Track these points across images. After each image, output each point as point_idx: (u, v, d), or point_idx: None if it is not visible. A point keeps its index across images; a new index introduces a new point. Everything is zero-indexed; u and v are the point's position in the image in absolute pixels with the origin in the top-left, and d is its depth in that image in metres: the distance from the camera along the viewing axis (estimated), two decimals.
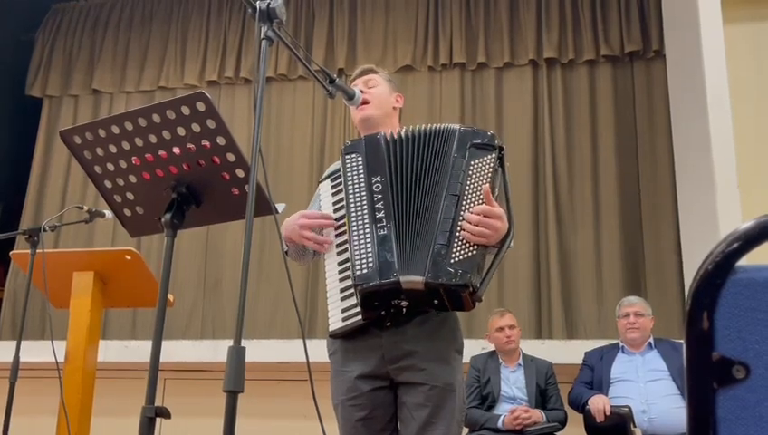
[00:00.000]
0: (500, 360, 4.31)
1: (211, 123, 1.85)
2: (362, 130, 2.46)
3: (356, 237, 2.12)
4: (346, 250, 2.16)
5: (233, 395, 1.59)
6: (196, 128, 1.87)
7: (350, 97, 2.37)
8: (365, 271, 2.06)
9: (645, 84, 6.27)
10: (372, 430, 2.17)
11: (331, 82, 2.26)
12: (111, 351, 5.18)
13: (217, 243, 6.63)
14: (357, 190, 2.18)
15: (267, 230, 6.15)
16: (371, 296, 2.08)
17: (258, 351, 4.74)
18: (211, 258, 6.62)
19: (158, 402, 5.16)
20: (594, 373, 4.28)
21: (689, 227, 5.33)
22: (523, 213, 6.13)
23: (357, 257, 2.08)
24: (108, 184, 2.06)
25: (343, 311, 2.16)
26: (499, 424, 3.98)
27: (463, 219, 2.04)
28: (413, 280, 2.03)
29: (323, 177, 2.39)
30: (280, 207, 1.98)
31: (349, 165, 2.24)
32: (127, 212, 2.11)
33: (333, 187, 2.31)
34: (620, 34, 6.34)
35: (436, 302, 2.07)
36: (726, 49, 4.94)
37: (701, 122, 4.96)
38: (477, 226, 2.00)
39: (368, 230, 2.11)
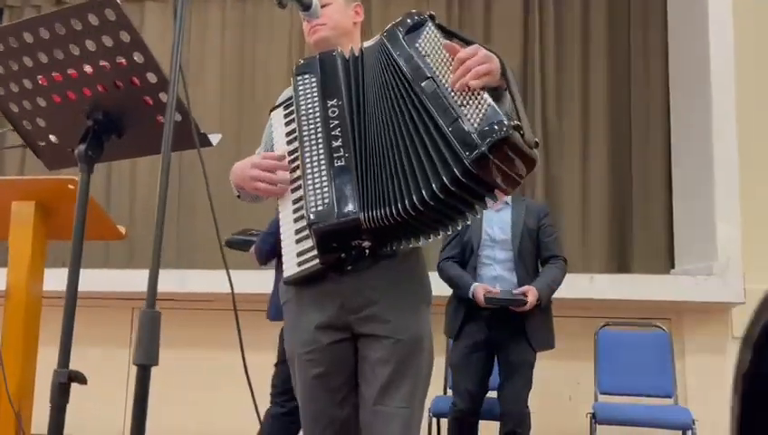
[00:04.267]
0: None
1: (125, 36, 1.50)
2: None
3: (310, 172, 1.79)
4: (301, 187, 1.83)
5: (145, 369, 1.31)
6: (107, 41, 1.52)
7: (307, 8, 2.00)
8: (320, 208, 1.74)
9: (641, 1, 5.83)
10: (328, 388, 1.89)
11: None
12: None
13: (194, 161, 6.27)
14: (310, 118, 1.85)
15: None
16: (328, 237, 1.76)
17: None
18: (186, 180, 6.29)
19: (126, 332, 4.91)
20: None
21: (682, 157, 5.00)
22: None
23: (311, 194, 1.76)
24: (14, 108, 1.72)
25: (298, 255, 1.85)
26: (469, 295, 3.32)
27: (451, 89, 1.64)
28: (381, 214, 1.69)
29: (276, 104, 2.05)
30: (214, 138, 1.65)
31: (302, 88, 1.90)
32: (40, 142, 1.78)
33: (286, 115, 1.98)
34: None
35: (496, 165, 1.57)
36: None
37: (700, 43, 4.58)
38: (469, 72, 1.60)
39: (323, 162, 1.79)
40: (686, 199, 4.81)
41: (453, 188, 1.57)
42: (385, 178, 1.70)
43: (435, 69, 1.69)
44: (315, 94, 1.87)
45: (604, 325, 4.00)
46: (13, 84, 1.66)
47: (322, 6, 2.06)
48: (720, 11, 4.52)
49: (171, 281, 4.48)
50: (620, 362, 3.87)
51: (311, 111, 1.86)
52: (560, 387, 4.36)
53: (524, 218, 3.47)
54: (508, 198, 3.48)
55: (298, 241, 1.85)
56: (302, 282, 1.87)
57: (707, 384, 4.30)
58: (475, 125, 1.55)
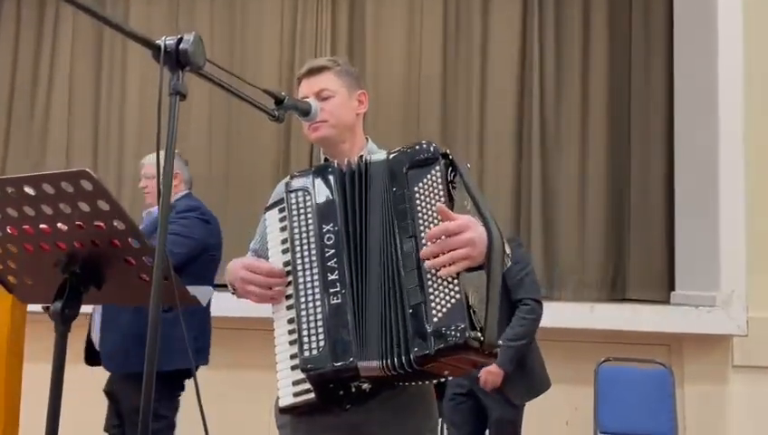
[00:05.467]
0: None
1: (103, 205, 1.35)
2: (322, 149, 1.95)
3: (304, 305, 1.65)
4: (294, 307, 1.69)
5: None
6: (84, 207, 1.37)
7: (306, 113, 1.85)
8: (314, 353, 1.60)
9: (643, 6, 5.63)
10: None
11: (280, 102, 1.73)
12: None
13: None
14: (304, 242, 1.69)
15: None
16: (325, 382, 1.63)
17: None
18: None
19: None
20: None
21: (684, 154, 4.85)
22: (507, 133, 5.65)
23: (305, 334, 1.62)
24: None
25: (294, 384, 1.70)
26: None
27: (424, 259, 1.53)
28: (374, 365, 1.58)
29: (270, 202, 1.89)
30: (205, 294, 1.51)
31: (295, 207, 1.73)
32: (11, 279, 1.63)
33: (281, 220, 1.81)
34: None
35: (445, 374, 1.59)
36: None
37: (708, 33, 4.39)
38: (443, 253, 1.50)
39: (318, 296, 1.64)
40: (688, 220, 4.69)
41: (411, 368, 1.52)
42: (376, 327, 1.58)
43: (422, 227, 1.56)
44: (310, 216, 1.71)
45: (605, 360, 3.90)
46: None
47: (324, 99, 1.90)
48: (730, 16, 4.34)
49: None
50: (620, 399, 3.80)
51: (304, 234, 1.70)
52: (558, 411, 4.29)
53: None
54: None
55: (293, 368, 1.71)
56: (298, 413, 1.75)
57: (707, 413, 4.25)
58: (435, 319, 1.48)
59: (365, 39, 6.02)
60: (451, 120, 5.82)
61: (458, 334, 1.45)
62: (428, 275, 1.52)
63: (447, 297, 1.49)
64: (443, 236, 1.50)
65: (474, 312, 1.49)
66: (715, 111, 4.26)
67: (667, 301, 4.68)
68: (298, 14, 6.11)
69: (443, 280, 1.50)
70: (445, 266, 1.50)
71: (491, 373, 3.14)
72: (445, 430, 3.43)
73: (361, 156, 1.78)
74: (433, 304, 1.50)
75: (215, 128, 6.04)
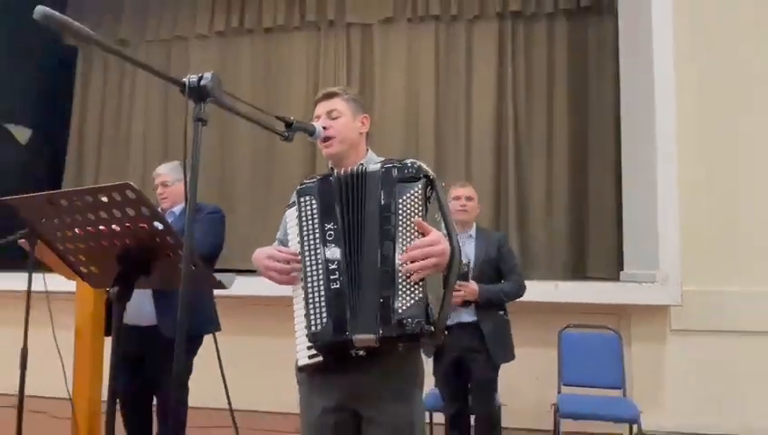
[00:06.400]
0: None
1: (145, 211, 1.37)
2: (331, 161, 1.96)
3: (310, 290, 1.66)
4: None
5: None
6: (130, 212, 1.38)
7: (311, 134, 1.85)
8: (318, 328, 1.62)
9: (596, 36, 5.60)
10: None
11: (289, 125, 1.73)
12: None
13: (235, 169, 6.19)
14: (311, 238, 1.70)
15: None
16: (328, 349, 1.65)
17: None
18: (228, 169, 6.22)
19: None
20: None
21: (630, 180, 4.79)
22: (487, 143, 5.70)
23: (312, 313, 1.64)
24: (60, 246, 1.59)
25: (309, 348, 1.72)
26: None
27: (401, 263, 1.56)
28: (365, 338, 1.60)
29: (289, 203, 1.89)
30: (229, 280, 1.52)
31: (303, 209, 1.74)
32: (83, 269, 1.65)
33: (296, 217, 1.82)
34: None
35: (400, 347, 1.63)
36: (673, 8, 4.30)
37: (646, 76, 4.36)
38: (420, 260, 1.53)
39: (322, 284, 1.65)
40: (633, 214, 4.65)
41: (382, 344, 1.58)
42: (365, 309, 1.59)
43: (400, 234, 1.57)
44: (315, 216, 1.72)
45: (566, 327, 3.87)
46: (58, 232, 1.53)
47: (333, 119, 1.89)
48: (663, 58, 4.29)
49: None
50: (579, 358, 3.76)
51: (311, 231, 1.71)
52: (530, 369, 4.25)
53: (486, 249, 3.25)
54: (472, 231, 3.31)
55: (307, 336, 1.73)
56: (312, 371, 1.76)
57: (650, 368, 4.22)
58: (400, 311, 1.53)
59: (374, 74, 6.05)
60: (443, 138, 5.83)
61: (415, 325, 1.51)
62: (400, 275, 1.55)
63: (412, 295, 1.53)
64: (421, 248, 1.54)
65: (430, 309, 1.54)
66: (653, 129, 4.22)
67: (617, 278, 4.65)
68: (320, 54, 6.17)
69: (411, 281, 1.54)
70: (421, 271, 1.53)
71: (470, 292, 3.07)
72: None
73: (361, 163, 1.79)
74: (400, 299, 1.54)
75: (258, 145, 6.12)
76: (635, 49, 4.69)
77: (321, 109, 1.95)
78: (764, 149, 4.24)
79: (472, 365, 3.19)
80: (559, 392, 3.70)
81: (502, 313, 3.27)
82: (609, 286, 4.36)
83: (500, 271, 3.27)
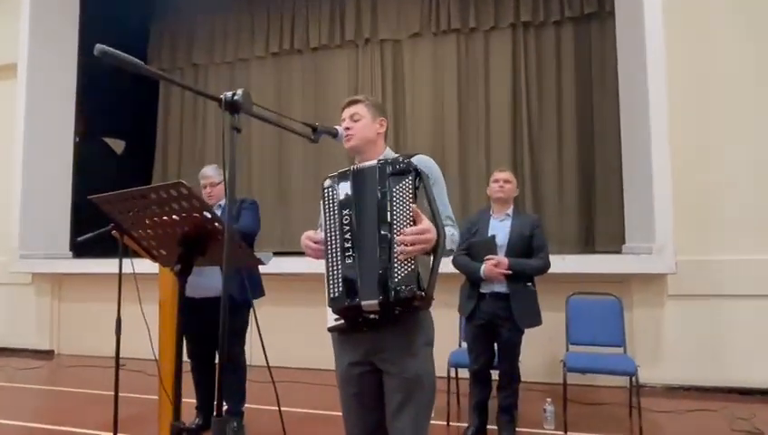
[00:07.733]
0: (491, 212, 3.29)
1: (195, 203, 1.47)
2: (352, 154, 2.02)
3: (330, 264, 1.74)
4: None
5: None
6: (185, 205, 1.48)
7: (334, 136, 1.92)
8: (335, 295, 1.71)
9: (599, 39, 5.49)
10: (363, 404, 1.87)
11: (314, 130, 1.80)
12: None
13: (292, 157, 6.32)
14: (331, 222, 1.78)
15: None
16: (343, 313, 1.73)
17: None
18: (284, 168, 6.35)
19: None
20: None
21: (628, 149, 4.70)
22: (505, 137, 5.66)
23: (331, 282, 1.73)
24: (135, 233, 1.71)
25: (334, 313, 1.81)
26: (481, 273, 3.08)
27: (397, 243, 1.61)
28: (370, 303, 1.67)
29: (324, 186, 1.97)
30: (267, 257, 1.61)
31: (327, 197, 1.82)
32: (155, 252, 1.77)
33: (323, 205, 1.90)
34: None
35: (397, 311, 1.70)
36: (664, 13, 4.18)
37: (641, 71, 4.25)
38: (413, 244, 1.59)
39: (338, 258, 1.72)
40: (633, 195, 4.56)
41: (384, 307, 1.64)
42: (369, 279, 1.66)
43: (395, 218, 1.63)
44: (335, 205, 1.79)
45: (572, 294, 3.85)
46: (134, 223, 1.66)
47: (355, 121, 1.94)
48: (656, 58, 4.17)
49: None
50: (585, 321, 3.74)
51: (332, 217, 1.78)
52: (543, 331, 4.22)
53: (520, 228, 3.20)
54: (509, 211, 3.26)
55: None
56: (337, 332, 1.85)
57: (649, 330, 4.15)
58: (396, 279, 1.59)
59: (404, 83, 6.07)
60: (465, 134, 5.82)
61: (408, 291, 1.58)
62: (396, 252, 1.61)
63: (406, 268, 1.59)
64: (415, 235, 1.59)
65: (421, 278, 1.60)
66: (647, 117, 4.12)
67: (620, 251, 4.58)
68: (358, 67, 6.22)
69: (405, 259, 1.60)
70: (413, 250, 1.59)
71: (501, 264, 3.06)
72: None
73: (379, 159, 1.84)
74: (395, 270, 1.60)
75: (309, 146, 6.22)
76: (631, 49, 4.57)
77: (346, 113, 2.01)
78: (746, 136, 4.11)
79: (501, 329, 3.17)
80: (567, 350, 3.69)
81: (530, 284, 3.23)
82: (611, 258, 4.30)
83: (531, 249, 3.20)
